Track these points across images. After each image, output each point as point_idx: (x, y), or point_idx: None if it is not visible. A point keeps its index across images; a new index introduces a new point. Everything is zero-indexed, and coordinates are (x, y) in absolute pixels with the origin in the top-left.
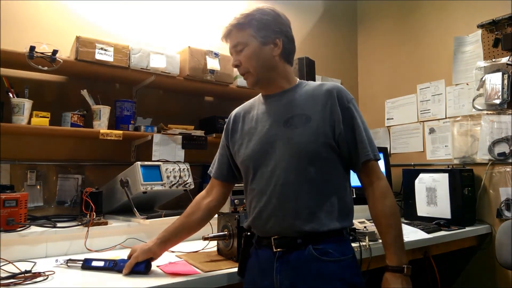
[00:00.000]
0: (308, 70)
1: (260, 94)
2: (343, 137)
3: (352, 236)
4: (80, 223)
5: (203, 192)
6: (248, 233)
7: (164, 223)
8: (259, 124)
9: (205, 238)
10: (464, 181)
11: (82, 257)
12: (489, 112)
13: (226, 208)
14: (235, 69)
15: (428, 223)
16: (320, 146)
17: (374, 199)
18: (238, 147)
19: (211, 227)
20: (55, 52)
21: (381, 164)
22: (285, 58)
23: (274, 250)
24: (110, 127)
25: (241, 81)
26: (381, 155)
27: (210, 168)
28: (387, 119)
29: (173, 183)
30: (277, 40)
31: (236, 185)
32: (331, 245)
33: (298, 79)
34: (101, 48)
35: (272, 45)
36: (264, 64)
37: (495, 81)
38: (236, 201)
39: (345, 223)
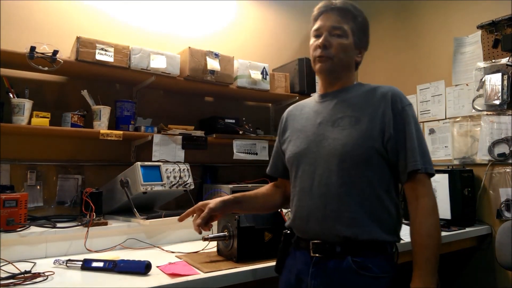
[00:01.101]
0: (308, 70)
1: (316, 93)
2: (393, 143)
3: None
4: (80, 224)
5: (275, 183)
6: (288, 232)
7: (164, 224)
8: (308, 122)
9: (205, 239)
10: (464, 181)
11: (81, 257)
12: (489, 113)
13: None
14: (235, 69)
15: None
16: (366, 150)
17: (415, 217)
18: (287, 145)
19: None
20: (55, 52)
21: None
22: (356, 67)
23: (312, 254)
24: (110, 127)
25: (241, 82)
26: None
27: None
28: None
29: (173, 183)
30: (362, 49)
31: (234, 185)
32: (372, 260)
33: (356, 81)
34: (102, 49)
35: (358, 51)
36: (346, 62)
37: (494, 81)
38: None
39: (389, 236)
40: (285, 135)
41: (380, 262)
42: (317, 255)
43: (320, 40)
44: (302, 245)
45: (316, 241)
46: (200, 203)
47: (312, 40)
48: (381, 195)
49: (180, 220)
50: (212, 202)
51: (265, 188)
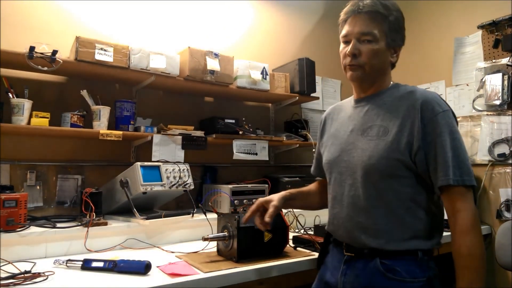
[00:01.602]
0: (308, 70)
1: (352, 96)
2: (422, 155)
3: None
4: (79, 224)
5: (320, 181)
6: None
7: (163, 224)
8: (342, 128)
9: (205, 239)
10: None
11: (81, 257)
12: (489, 113)
13: (226, 209)
14: (235, 69)
15: None
16: (392, 163)
17: (454, 234)
18: (324, 149)
19: (211, 227)
20: (54, 52)
21: None
22: (392, 66)
23: (344, 253)
24: (110, 127)
25: (241, 82)
26: None
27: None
28: None
29: (173, 183)
30: (398, 48)
31: (234, 185)
32: (400, 263)
33: (392, 82)
34: (101, 49)
35: (393, 51)
36: (379, 66)
37: (495, 82)
38: (236, 201)
39: (422, 244)
40: (323, 138)
41: (409, 267)
42: (349, 254)
43: (349, 48)
44: (337, 243)
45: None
46: (261, 200)
47: (342, 47)
48: (411, 206)
49: (245, 221)
50: (276, 200)
51: (313, 185)
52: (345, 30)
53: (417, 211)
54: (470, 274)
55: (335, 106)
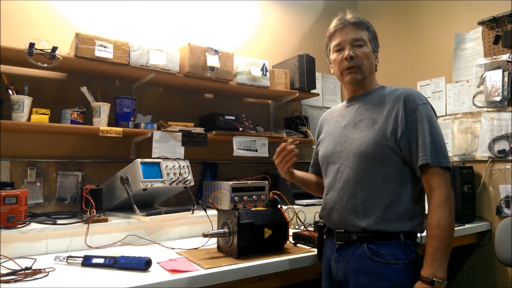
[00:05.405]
0: (308, 67)
1: (345, 100)
2: (405, 140)
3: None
4: (80, 220)
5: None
6: (321, 224)
7: (164, 220)
8: (336, 125)
9: (205, 235)
10: (464, 178)
11: (82, 254)
12: (489, 110)
13: (226, 205)
14: (235, 66)
15: None
16: (380, 148)
17: (429, 208)
18: (320, 146)
19: (211, 224)
20: (54, 49)
21: None
22: (375, 69)
23: (336, 242)
24: (110, 124)
25: (241, 78)
26: None
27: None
28: None
29: (173, 180)
30: (376, 53)
31: (234, 182)
32: (385, 247)
33: (378, 84)
34: (101, 45)
35: (374, 55)
36: (370, 67)
37: (495, 78)
38: (236, 198)
39: (404, 226)
40: (319, 137)
41: (392, 250)
42: (339, 242)
43: (346, 52)
44: (330, 234)
45: (338, 230)
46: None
47: (335, 55)
48: (397, 189)
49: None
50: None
51: (310, 178)
52: (337, 40)
53: (403, 194)
54: (435, 242)
55: (330, 110)
